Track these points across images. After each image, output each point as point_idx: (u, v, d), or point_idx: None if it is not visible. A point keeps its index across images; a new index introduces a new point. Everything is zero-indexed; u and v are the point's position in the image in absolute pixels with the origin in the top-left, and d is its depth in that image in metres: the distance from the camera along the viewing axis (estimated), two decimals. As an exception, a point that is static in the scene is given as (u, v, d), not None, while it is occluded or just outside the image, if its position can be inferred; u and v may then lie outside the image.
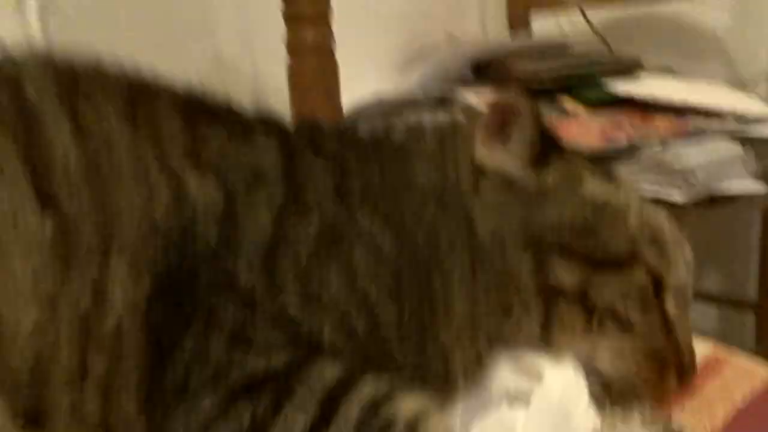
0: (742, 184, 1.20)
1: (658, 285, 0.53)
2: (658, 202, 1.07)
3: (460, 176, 0.53)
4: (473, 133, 0.54)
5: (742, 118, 1.28)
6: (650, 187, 1.10)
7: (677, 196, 1.08)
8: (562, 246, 0.50)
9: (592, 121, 1.27)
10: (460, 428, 0.49)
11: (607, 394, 0.52)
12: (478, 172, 0.53)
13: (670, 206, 1.08)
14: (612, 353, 0.51)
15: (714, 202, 1.19)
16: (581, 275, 0.50)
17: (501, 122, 0.52)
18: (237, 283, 0.43)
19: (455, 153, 0.55)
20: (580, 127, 1.22)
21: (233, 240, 0.43)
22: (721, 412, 0.51)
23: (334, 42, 0.91)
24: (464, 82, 1.43)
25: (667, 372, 0.52)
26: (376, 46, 1.59)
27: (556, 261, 0.50)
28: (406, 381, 0.46)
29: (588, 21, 1.64)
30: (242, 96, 0.53)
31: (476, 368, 0.50)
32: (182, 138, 0.46)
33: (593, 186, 0.53)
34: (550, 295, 0.51)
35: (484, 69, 1.42)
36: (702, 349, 0.63)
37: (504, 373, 0.51)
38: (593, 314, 0.50)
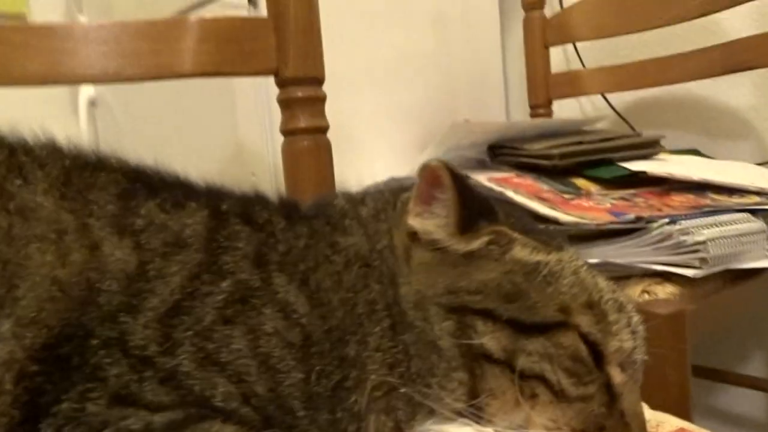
0: (765, 259, 1.14)
1: (597, 352, 0.51)
2: (669, 277, 1.06)
3: (393, 242, 0.55)
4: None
5: (765, 195, 1.24)
6: (660, 260, 1.07)
7: (688, 271, 1.04)
8: (487, 311, 0.50)
9: (604, 199, 1.25)
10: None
11: (545, 465, 0.50)
12: (412, 237, 0.55)
13: (688, 282, 1.05)
14: (546, 423, 0.49)
15: (738, 279, 1.14)
16: (507, 340, 0.50)
17: (428, 190, 0.53)
18: (130, 342, 0.44)
19: (391, 220, 0.56)
20: (588, 204, 1.21)
21: (136, 301, 0.45)
22: (665, 490, 0.47)
23: (327, 123, 0.96)
24: (481, 165, 1.46)
25: (610, 443, 0.50)
26: (400, 133, 1.65)
27: (480, 326, 0.50)
28: None
29: (610, 104, 1.65)
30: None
31: None
32: (110, 208, 0.49)
33: (523, 251, 0.53)
34: (475, 361, 0.50)
35: (499, 152, 1.44)
36: (669, 424, 0.59)
37: (429, 441, 0.50)
38: (524, 381, 0.49)
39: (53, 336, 0.43)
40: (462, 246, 0.53)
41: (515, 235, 0.54)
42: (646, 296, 1.04)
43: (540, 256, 0.53)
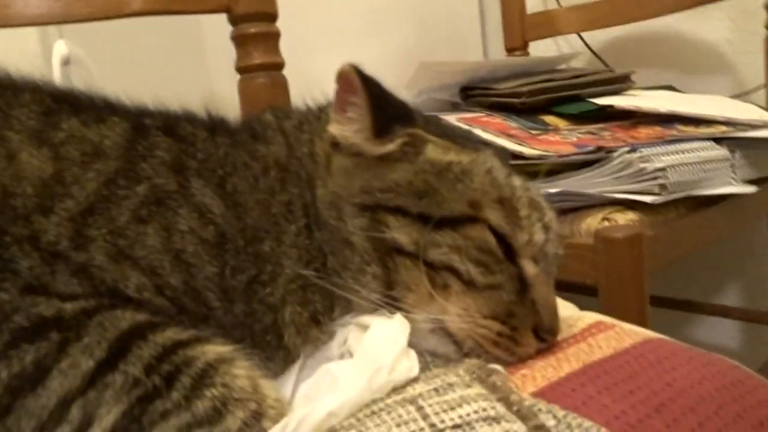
0: (729, 186, 1.16)
1: (508, 245, 0.54)
2: (632, 205, 1.07)
3: (315, 150, 0.57)
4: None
5: (734, 125, 1.24)
6: (621, 189, 1.09)
7: (648, 198, 1.05)
8: (398, 207, 0.52)
9: (571, 134, 1.26)
10: (297, 387, 0.51)
11: (459, 351, 0.52)
12: (334, 145, 0.57)
13: (649, 209, 1.06)
14: (459, 312, 0.52)
15: (702, 206, 1.16)
16: (417, 234, 0.52)
17: (343, 96, 0.55)
18: (42, 238, 0.46)
19: (313, 131, 0.58)
20: (556, 139, 1.22)
21: (50, 203, 0.48)
22: (567, 368, 0.50)
23: (282, 59, 0.97)
24: (453, 107, 1.47)
25: (521, 330, 0.52)
26: (375, 71, 1.65)
27: (391, 221, 0.52)
28: (232, 336, 0.49)
29: (585, 43, 1.64)
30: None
31: (311, 327, 0.51)
32: (31, 123, 0.52)
33: (436, 151, 0.55)
34: (387, 255, 0.52)
35: (471, 93, 1.45)
36: (588, 318, 0.62)
37: (347, 334, 0.53)
38: (435, 272, 0.52)
39: None
40: (377, 149, 0.55)
41: (429, 137, 0.56)
42: (606, 223, 1.06)
43: (452, 156, 0.55)
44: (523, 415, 0.38)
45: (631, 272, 1.01)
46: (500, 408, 0.39)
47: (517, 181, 0.57)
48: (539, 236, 0.54)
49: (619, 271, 1.02)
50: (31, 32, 1.74)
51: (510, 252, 0.53)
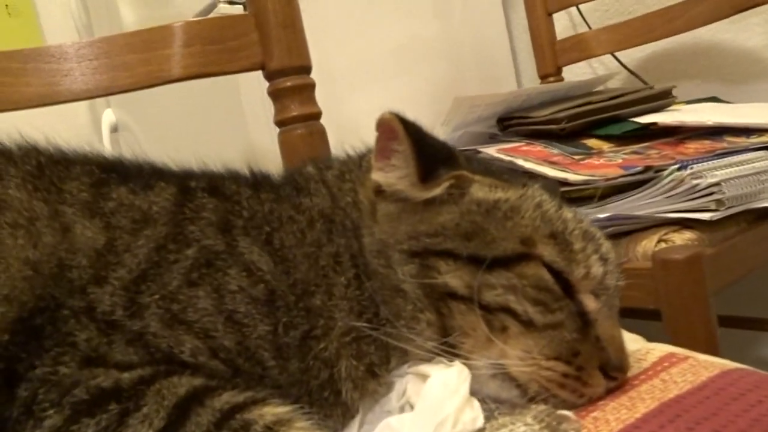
0: (788, 197, 1.10)
1: (565, 281, 0.52)
2: (687, 224, 1.03)
3: (358, 198, 0.56)
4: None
5: (787, 131, 1.19)
6: (675, 208, 1.05)
7: (705, 215, 1.01)
8: (447, 251, 0.51)
9: (616, 155, 1.23)
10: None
11: (524, 396, 0.50)
12: (377, 192, 0.56)
13: (706, 226, 1.02)
14: (520, 354, 0.50)
15: (761, 219, 1.10)
16: (470, 276, 0.50)
17: (386, 144, 0.55)
18: (98, 309, 0.46)
19: (356, 179, 0.58)
20: (600, 162, 1.20)
21: (104, 272, 0.48)
22: (643, 408, 0.47)
23: (319, 109, 0.98)
24: (492, 138, 1.45)
25: (588, 369, 0.50)
26: (411, 110, 1.66)
27: (442, 266, 0.51)
28: (288, 395, 0.48)
29: (620, 62, 1.62)
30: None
31: (368, 380, 0.50)
32: (83, 195, 0.53)
33: (482, 190, 0.54)
34: (441, 300, 0.51)
35: (508, 124, 1.44)
36: (659, 350, 0.59)
37: (406, 384, 0.51)
38: (491, 315, 0.50)
39: (27, 310, 0.46)
40: (423, 194, 0.54)
41: (474, 177, 0.55)
42: (663, 245, 1.02)
43: (499, 194, 0.54)
44: (601, 467, 0.36)
45: (694, 294, 0.96)
46: (575, 459, 0.37)
47: (568, 213, 0.55)
48: (597, 269, 0.52)
49: (682, 293, 0.98)
50: (81, 103, 1.83)
51: (568, 288, 0.51)
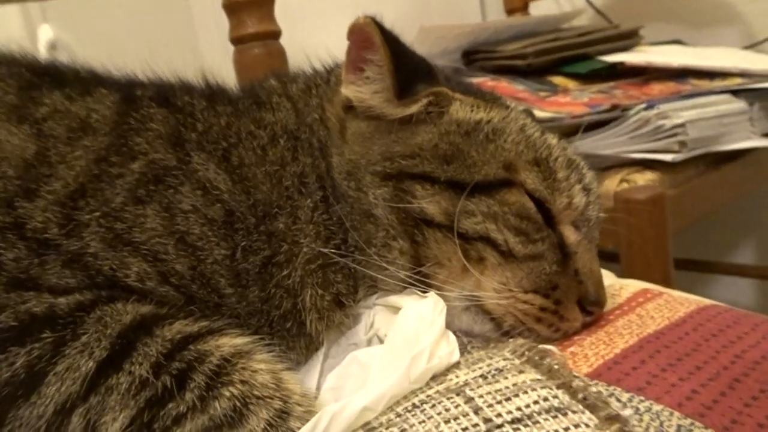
0: (748, 140, 1.10)
1: (546, 210, 0.48)
2: (650, 164, 1.02)
3: (326, 115, 0.51)
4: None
5: (750, 76, 1.19)
6: (639, 148, 1.04)
7: (668, 156, 1.00)
8: (424, 174, 0.47)
9: (582, 93, 1.21)
10: (322, 378, 0.46)
11: (498, 329, 0.48)
12: (347, 108, 0.51)
13: (668, 168, 1.01)
14: (496, 286, 0.47)
15: (721, 162, 1.11)
16: (448, 203, 0.46)
17: (359, 54, 0.49)
18: (28, 224, 0.41)
19: (323, 95, 0.53)
20: (566, 100, 1.17)
21: (34, 185, 0.42)
22: (622, 343, 0.45)
23: (278, 27, 0.91)
24: (456, 73, 1.40)
25: (565, 303, 0.47)
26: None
27: (418, 190, 0.47)
28: (248, 325, 0.44)
29: (587, 0, 1.58)
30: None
31: (334, 311, 0.46)
32: (9, 99, 0.46)
33: (463, 110, 0.50)
34: (415, 227, 0.47)
35: (473, 58, 1.39)
36: (632, 286, 0.57)
37: (373, 317, 0.48)
38: (469, 244, 0.46)
39: None
40: (399, 111, 0.49)
41: (455, 95, 0.50)
42: (625, 185, 1.01)
43: (481, 114, 0.50)
44: (591, 405, 0.33)
45: (654, 235, 0.96)
46: (563, 396, 0.34)
47: (552, 139, 0.51)
48: (579, 199, 0.49)
49: (642, 234, 0.97)
50: (14, 16, 1.67)
51: (549, 218, 0.48)
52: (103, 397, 0.37)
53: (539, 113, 1.09)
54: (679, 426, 0.36)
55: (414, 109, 0.49)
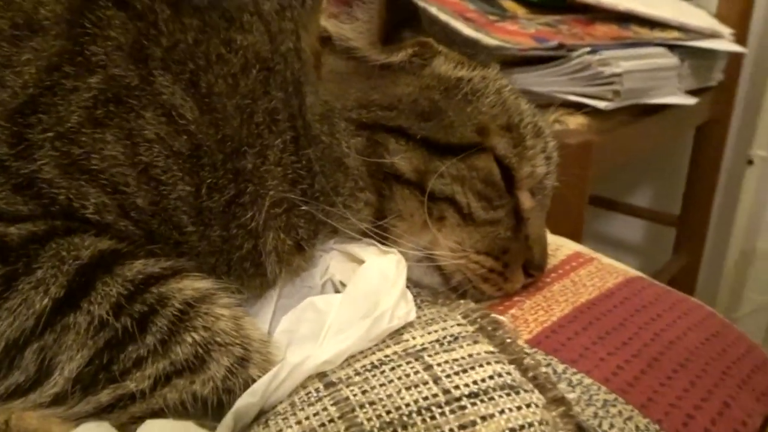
0: (674, 96, 1.16)
1: (509, 177, 0.49)
2: (581, 108, 1.05)
3: (300, 45, 0.48)
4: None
5: (687, 31, 1.23)
6: (576, 90, 1.06)
7: (601, 103, 1.04)
8: (401, 129, 0.46)
9: (530, 23, 1.20)
10: (275, 316, 0.47)
11: (446, 284, 0.50)
12: (323, 41, 0.48)
13: (598, 114, 1.05)
14: (452, 245, 0.48)
15: (644, 114, 1.16)
16: (420, 161, 0.46)
17: (346, -10, 0.46)
18: None
19: (297, 20, 0.49)
20: (514, 28, 1.16)
21: None
22: (558, 311, 0.48)
23: None
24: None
25: (512, 266, 0.50)
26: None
27: (392, 144, 0.46)
28: (205, 263, 0.43)
29: None
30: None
31: (294, 255, 0.46)
32: None
33: (446, 65, 0.48)
34: (384, 181, 0.47)
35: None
36: (567, 248, 0.61)
37: (329, 261, 0.48)
38: (433, 203, 0.47)
39: None
40: (382, 57, 0.47)
41: (440, 48, 0.49)
42: (557, 126, 1.04)
43: (463, 72, 0.49)
44: (540, 385, 0.37)
45: (576, 177, 1.01)
46: (516, 374, 0.37)
47: (524, 104, 0.51)
48: (541, 169, 0.51)
49: (565, 173, 1.02)
50: None
51: (510, 184, 0.50)
52: (59, 335, 0.35)
53: (487, 39, 1.08)
54: (605, 401, 0.41)
55: (398, 57, 0.47)
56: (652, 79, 1.12)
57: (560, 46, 1.06)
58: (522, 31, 1.14)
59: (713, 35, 1.24)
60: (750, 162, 1.50)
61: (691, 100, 1.18)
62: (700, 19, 1.30)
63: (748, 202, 1.51)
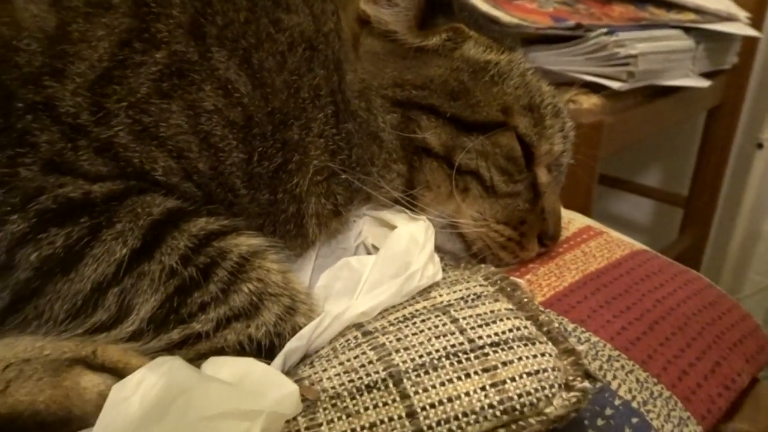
0: (687, 78, 1.19)
1: (529, 153, 0.54)
2: (596, 88, 1.08)
3: (340, 25, 0.52)
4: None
5: (703, 14, 1.25)
6: (591, 71, 1.09)
7: (615, 84, 1.07)
8: (432, 106, 0.51)
9: (548, 2, 1.23)
10: (313, 274, 0.52)
11: (467, 250, 0.55)
12: (362, 23, 0.52)
13: (611, 94, 1.08)
14: (474, 214, 0.53)
15: (656, 96, 1.19)
16: (448, 136, 0.51)
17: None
18: (60, 108, 0.41)
19: (338, 2, 0.53)
20: (532, 7, 1.19)
21: (60, 64, 0.42)
22: (569, 277, 0.53)
23: None
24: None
25: (529, 236, 0.55)
26: None
27: (424, 121, 0.51)
28: (254, 223, 0.47)
29: None
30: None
31: (332, 218, 0.51)
32: None
33: (476, 49, 0.53)
34: (415, 154, 0.51)
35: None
36: (578, 221, 0.65)
37: (363, 226, 0.53)
38: (459, 176, 0.52)
39: None
40: (417, 41, 0.51)
41: (471, 33, 0.53)
42: (572, 105, 1.08)
43: (491, 56, 0.53)
44: (553, 338, 0.41)
45: (586, 156, 1.05)
46: (532, 328, 0.42)
47: (545, 86, 0.56)
48: (558, 146, 0.55)
49: (576, 152, 1.06)
50: None
51: (529, 160, 0.54)
52: (136, 280, 0.40)
53: (506, 17, 1.11)
54: (609, 356, 0.46)
55: (433, 41, 0.51)
56: (667, 60, 1.15)
57: (577, 26, 1.09)
58: (540, 10, 1.17)
59: (729, 18, 1.26)
60: (759, 146, 1.53)
61: (704, 83, 1.21)
62: (717, 1, 1.32)
63: (755, 185, 1.54)
